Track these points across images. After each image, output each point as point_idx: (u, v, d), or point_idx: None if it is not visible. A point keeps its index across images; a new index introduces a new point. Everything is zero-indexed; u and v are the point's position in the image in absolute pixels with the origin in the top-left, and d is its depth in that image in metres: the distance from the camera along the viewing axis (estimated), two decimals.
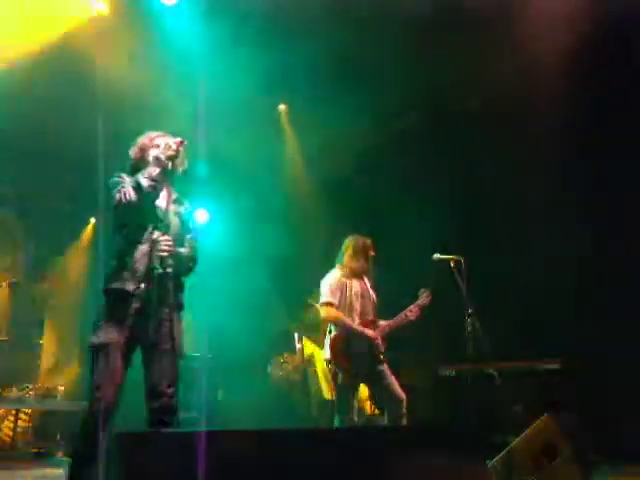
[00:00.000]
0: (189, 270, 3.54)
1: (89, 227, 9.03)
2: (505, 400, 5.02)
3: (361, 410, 5.90)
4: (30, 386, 6.45)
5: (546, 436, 3.77)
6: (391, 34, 6.34)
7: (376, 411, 5.28)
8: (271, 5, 6.19)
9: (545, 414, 3.86)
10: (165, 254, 3.25)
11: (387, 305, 5.10)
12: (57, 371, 7.68)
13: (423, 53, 6.46)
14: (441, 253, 4.90)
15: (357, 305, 4.83)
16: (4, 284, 7.10)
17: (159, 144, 3.51)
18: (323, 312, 4.82)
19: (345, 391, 4.64)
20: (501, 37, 6.07)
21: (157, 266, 3.22)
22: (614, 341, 5.86)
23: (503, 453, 3.83)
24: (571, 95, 6.06)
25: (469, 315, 4.64)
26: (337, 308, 4.77)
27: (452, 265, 4.78)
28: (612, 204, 6.21)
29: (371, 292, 4.98)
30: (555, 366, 5.41)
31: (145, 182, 3.28)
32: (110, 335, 3.18)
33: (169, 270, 3.25)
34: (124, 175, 3.43)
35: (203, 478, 1.75)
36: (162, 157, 3.39)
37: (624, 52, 5.85)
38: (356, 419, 4.66)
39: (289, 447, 2.09)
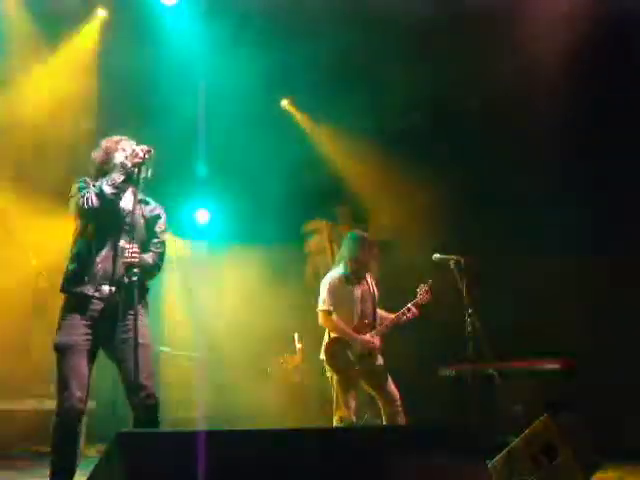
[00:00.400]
0: (153, 277, 3.54)
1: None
2: (505, 400, 5.02)
3: (362, 409, 5.92)
4: (30, 386, 6.44)
5: (546, 436, 3.76)
6: (393, 35, 6.35)
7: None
8: (271, 5, 6.20)
9: (545, 414, 3.86)
10: (131, 262, 3.27)
11: (387, 306, 5.10)
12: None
13: (423, 53, 6.47)
14: (441, 253, 4.89)
15: (356, 308, 4.78)
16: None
17: (124, 148, 3.52)
18: (320, 319, 4.81)
19: (342, 392, 4.64)
20: (501, 37, 6.08)
21: (123, 277, 3.27)
22: (614, 341, 5.86)
23: (503, 453, 3.83)
24: (571, 95, 6.06)
25: (469, 315, 4.64)
26: (334, 314, 4.73)
27: (452, 265, 4.78)
28: (612, 204, 6.21)
29: (374, 291, 4.94)
30: (555, 366, 5.41)
31: (108, 189, 3.31)
32: (73, 336, 3.23)
33: (134, 279, 3.27)
34: (88, 180, 3.46)
35: (203, 478, 1.75)
36: (128, 164, 3.38)
37: (624, 51, 5.86)
38: (354, 419, 4.64)
39: (289, 447, 2.09)
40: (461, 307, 4.67)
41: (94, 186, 3.35)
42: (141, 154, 3.40)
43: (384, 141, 7.36)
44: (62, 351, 3.23)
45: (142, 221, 3.50)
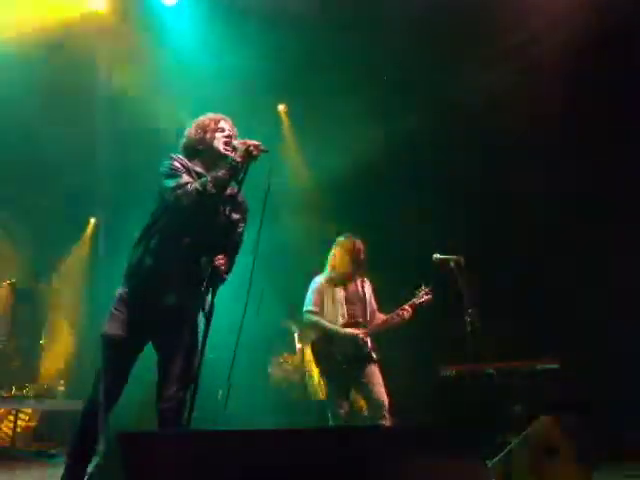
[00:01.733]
0: (223, 281, 3.27)
1: (89, 227, 9.02)
2: (505, 400, 5.01)
3: (360, 410, 5.91)
4: (30, 386, 6.44)
5: (546, 436, 3.76)
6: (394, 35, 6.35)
7: None
8: (271, 5, 6.20)
9: (545, 414, 3.86)
10: (222, 279, 3.11)
11: (386, 307, 5.09)
12: (57, 371, 7.68)
13: (423, 53, 6.47)
14: (441, 253, 4.89)
15: (342, 310, 4.77)
16: (4, 284, 7.10)
17: (224, 128, 3.22)
18: (305, 319, 4.86)
19: (332, 393, 4.64)
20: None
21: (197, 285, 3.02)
22: (614, 341, 5.86)
23: (503, 453, 3.83)
24: (572, 95, 6.06)
25: (469, 315, 4.63)
26: (318, 314, 4.76)
27: (452, 265, 4.78)
28: (613, 204, 6.21)
29: (365, 295, 4.91)
30: (555, 366, 5.41)
31: (212, 189, 2.96)
32: (123, 329, 3.01)
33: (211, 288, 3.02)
34: (183, 159, 3.13)
35: (203, 478, 1.75)
36: (238, 162, 3.01)
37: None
38: (344, 419, 4.58)
39: (289, 447, 2.09)
40: (461, 307, 4.67)
41: (197, 176, 3.03)
42: (255, 152, 3.04)
43: (384, 141, 7.36)
44: (109, 342, 3.01)
45: (224, 218, 3.16)
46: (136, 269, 3.09)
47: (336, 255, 4.91)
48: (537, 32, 6.02)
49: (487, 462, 3.58)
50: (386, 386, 4.69)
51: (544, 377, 5.36)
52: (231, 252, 3.24)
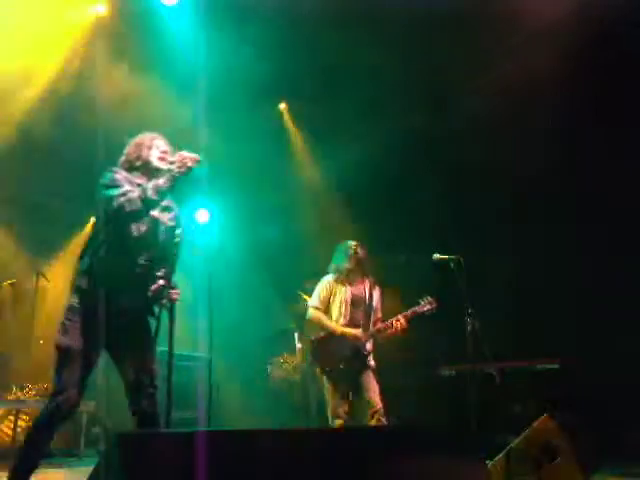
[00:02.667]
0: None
1: (88, 226, 9.02)
2: (505, 400, 5.02)
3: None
4: (30, 386, 6.44)
5: (546, 436, 3.76)
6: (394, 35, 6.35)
7: None
8: (271, 5, 6.20)
9: (545, 414, 3.86)
10: (172, 300, 3.27)
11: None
12: None
13: (423, 53, 6.47)
14: (441, 253, 4.89)
15: (345, 311, 4.84)
16: (5, 284, 7.10)
17: (158, 146, 3.47)
18: (308, 314, 4.95)
19: (332, 392, 4.65)
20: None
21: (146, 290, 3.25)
22: (614, 341, 5.86)
23: (503, 453, 3.83)
24: (572, 95, 6.06)
25: (469, 315, 4.63)
26: (321, 311, 4.86)
27: (452, 265, 4.78)
28: (612, 205, 6.21)
29: (371, 300, 4.92)
30: (555, 366, 5.41)
31: (152, 195, 3.19)
32: (77, 339, 3.12)
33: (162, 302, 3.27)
34: (121, 172, 3.34)
35: (203, 478, 1.75)
36: (175, 171, 3.25)
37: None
38: (344, 419, 4.59)
39: (289, 447, 2.09)
40: (461, 307, 4.67)
41: (139, 186, 3.23)
42: (190, 164, 3.27)
43: (385, 141, 7.35)
44: (67, 353, 3.12)
45: (164, 228, 3.42)
46: (84, 279, 3.21)
47: (337, 260, 4.99)
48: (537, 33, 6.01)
49: (487, 462, 3.58)
50: (381, 392, 4.70)
51: (544, 377, 5.37)
52: (173, 258, 3.39)
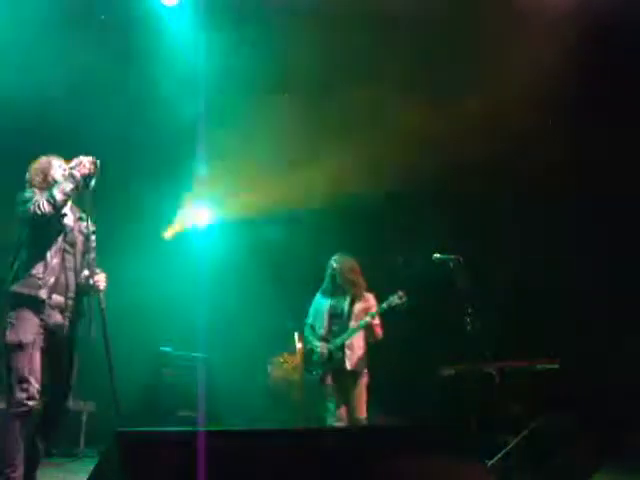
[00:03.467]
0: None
1: None
2: (505, 400, 5.02)
3: None
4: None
5: (546, 436, 3.77)
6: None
7: None
8: (272, 5, 6.20)
9: (545, 414, 3.86)
10: (99, 288, 3.52)
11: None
12: None
13: (423, 53, 6.47)
14: (441, 253, 4.90)
15: (324, 322, 5.11)
16: None
17: (59, 164, 3.67)
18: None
19: (328, 394, 4.87)
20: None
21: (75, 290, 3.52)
22: (614, 341, 5.86)
23: (503, 453, 3.83)
24: (572, 95, 6.06)
25: (469, 315, 4.64)
26: (307, 325, 5.28)
27: (452, 265, 4.78)
28: (612, 205, 6.21)
29: (351, 312, 5.06)
30: (555, 366, 5.41)
31: (59, 196, 3.41)
32: (28, 335, 3.32)
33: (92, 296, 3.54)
34: (36, 190, 3.53)
35: (202, 478, 1.75)
36: (77, 174, 3.50)
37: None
38: (343, 419, 4.79)
39: (288, 447, 2.09)
40: (461, 307, 4.67)
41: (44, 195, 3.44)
42: (88, 165, 3.55)
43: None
44: (19, 349, 3.31)
45: (81, 237, 3.65)
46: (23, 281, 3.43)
47: (330, 271, 5.18)
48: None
49: (487, 462, 3.58)
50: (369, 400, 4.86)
51: (544, 377, 5.37)
52: (90, 263, 3.62)
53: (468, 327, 4.59)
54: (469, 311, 4.63)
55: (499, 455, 3.83)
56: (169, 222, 8.14)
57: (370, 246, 6.94)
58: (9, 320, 3.36)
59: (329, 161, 7.94)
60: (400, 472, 2.28)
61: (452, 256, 4.81)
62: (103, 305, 3.52)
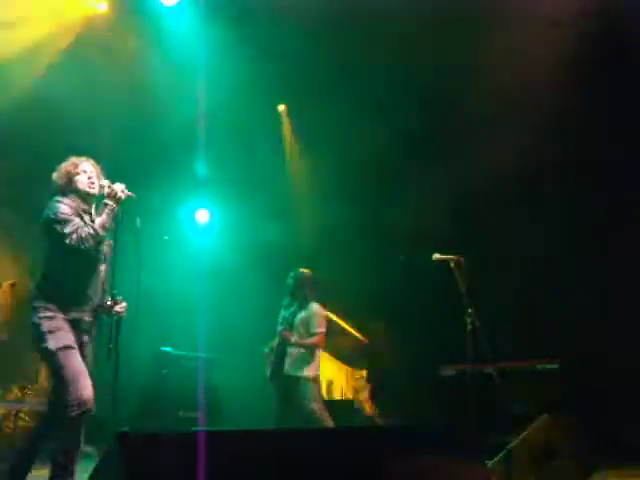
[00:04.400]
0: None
1: None
2: (505, 400, 5.02)
3: (362, 410, 5.93)
4: (30, 386, 6.43)
5: (546, 436, 3.77)
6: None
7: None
8: (271, 5, 6.20)
9: (545, 414, 3.86)
10: (120, 314, 3.67)
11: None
12: None
13: (423, 53, 6.46)
14: (441, 253, 4.89)
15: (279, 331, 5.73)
16: (4, 284, 7.09)
17: (85, 170, 3.65)
18: None
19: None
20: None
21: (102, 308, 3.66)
22: (614, 341, 5.86)
23: (503, 453, 3.83)
24: (572, 95, 6.06)
25: (469, 315, 4.64)
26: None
27: (452, 265, 4.78)
28: (612, 204, 6.21)
29: (293, 320, 5.59)
30: (555, 366, 5.41)
31: (102, 232, 3.50)
32: (69, 336, 3.43)
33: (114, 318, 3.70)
34: (64, 200, 3.53)
35: (203, 478, 1.75)
36: (114, 207, 3.56)
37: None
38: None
39: (288, 447, 2.09)
40: (461, 307, 4.67)
41: (85, 224, 3.48)
42: (120, 195, 3.59)
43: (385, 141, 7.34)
44: (65, 349, 3.37)
45: (109, 250, 3.75)
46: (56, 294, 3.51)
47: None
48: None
49: (487, 462, 3.58)
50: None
51: (544, 377, 5.37)
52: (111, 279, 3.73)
53: (468, 327, 4.59)
54: (469, 311, 4.63)
55: (499, 455, 3.83)
56: (169, 222, 8.13)
57: (371, 244, 6.94)
58: (44, 330, 3.39)
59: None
60: (400, 472, 2.28)
61: (452, 256, 4.81)
62: (117, 330, 3.69)
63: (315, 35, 6.38)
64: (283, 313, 5.70)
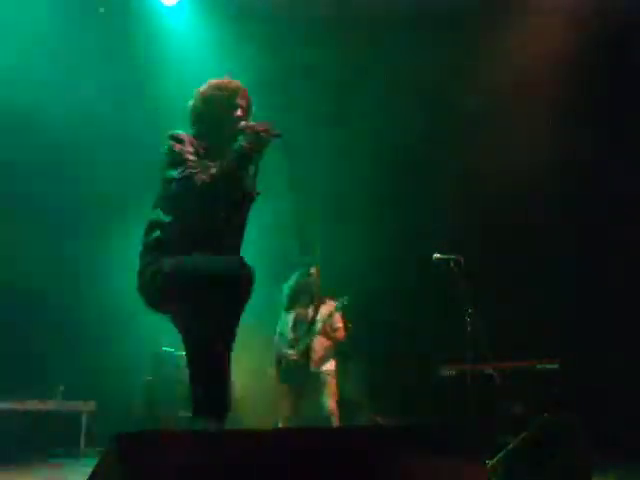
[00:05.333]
0: None
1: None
2: (505, 400, 5.02)
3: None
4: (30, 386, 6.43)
5: (546, 436, 3.76)
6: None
7: None
8: (271, 5, 6.20)
9: (545, 414, 3.86)
10: None
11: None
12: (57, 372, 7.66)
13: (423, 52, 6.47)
14: (441, 253, 4.90)
15: (289, 331, 5.69)
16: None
17: (237, 105, 2.85)
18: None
19: None
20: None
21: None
22: (614, 341, 5.86)
23: (503, 453, 3.83)
24: (572, 95, 6.06)
25: (469, 315, 4.64)
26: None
27: (452, 265, 4.78)
28: (612, 204, 6.21)
29: (314, 318, 5.60)
30: (555, 366, 5.41)
31: (220, 180, 2.68)
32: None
33: None
34: (185, 137, 2.77)
35: (204, 478, 1.75)
36: (247, 150, 2.74)
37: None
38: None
39: (289, 447, 2.09)
40: (461, 307, 4.67)
41: (204, 153, 2.72)
42: (264, 137, 2.76)
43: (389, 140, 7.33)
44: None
45: None
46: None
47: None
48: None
49: (487, 462, 3.58)
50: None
51: (544, 377, 5.37)
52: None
53: (468, 327, 4.59)
54: (469, 311, 4.63)
55: (499, 455, 3.83)
56: None
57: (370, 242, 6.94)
58: None
59: None
60: (400, 472, 2.28)
61: (452, 256, 4.82)
62: None
63: (315, 35, 6.38)
64: (298, 311, 5.67)
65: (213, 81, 2.98)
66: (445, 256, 4.86)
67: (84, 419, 6.21)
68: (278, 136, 2.79)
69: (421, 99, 6.94)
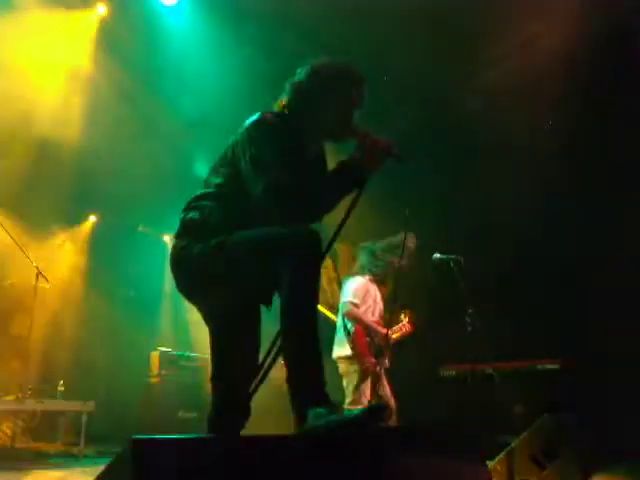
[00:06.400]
0: None
1: (87, 224, 8.96)
2: (505, 400, 5.02)
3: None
4: (30, 387, 6.43)
5: (546, 436, 3.77)
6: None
7: None
8: (271, 5, 6.20)
9: (545, 414, 3.86)
10: None
11: None
12: (57, 371, 7.67)
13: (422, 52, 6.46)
14: (441, 253, 4.90)
15: (376, 310, 5.18)
16: (5, 284, 7.10)
17: (357, 97, 2.39)
18: (346, 309, 5.08)
19: (362, 380, 4.96)
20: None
21: None
22: (614, 341, 5.85)
23: (503, 453, 3.83)
24: (572, 96, 6.06)
25: (469, 315, 4.64)
26: (359, 307, 5.09)
27: (452, 265, 4.78)
28: (611, 203, 6.20)
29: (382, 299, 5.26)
30: (555, 366, 5.41)
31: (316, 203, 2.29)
32: None
33: None
34: (281, 123, 2.30)
35: None
36: (364, 169, 2.36)
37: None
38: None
39: (289, 448, 2.09)
40: (461, 307, 4.67)
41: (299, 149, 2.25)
42: (383, 156, 2.31)
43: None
44: None
45: None
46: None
47: (366, 262, 5.21)
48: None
49: (487, 462, 3.58)
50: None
51: (544, 377, 5.37)
52: None
53: (468, 327, 4.59)
54: (469, 311, 4.63)
55: (499, 455, 3.83)
56: (169, 223, 8.14)
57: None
58: None
59: None
60: (400, 472, 2.28)
61: (452, 256, 4.82)
62: None
63: (315, 35, 6.38)
64: (374, 287, 5.28)
65: (334, 61, 2.52)
66: (445, 256, 4.86)
67: (84, 419, 6.21)
68: (397, 159, 2.34)
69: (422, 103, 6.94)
